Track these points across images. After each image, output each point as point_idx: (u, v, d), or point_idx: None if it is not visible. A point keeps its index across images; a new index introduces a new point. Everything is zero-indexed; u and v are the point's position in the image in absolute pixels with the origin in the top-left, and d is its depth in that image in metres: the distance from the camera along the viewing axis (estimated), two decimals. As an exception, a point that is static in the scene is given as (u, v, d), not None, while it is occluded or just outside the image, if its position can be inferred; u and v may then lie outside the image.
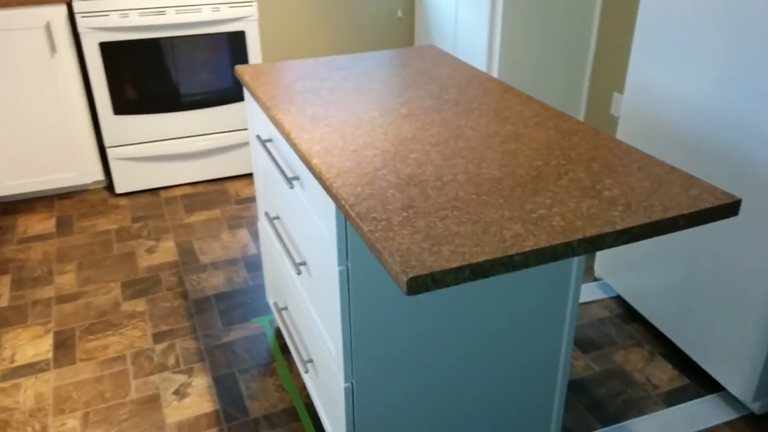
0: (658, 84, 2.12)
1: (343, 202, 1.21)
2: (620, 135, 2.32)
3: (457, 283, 0.99)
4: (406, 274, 0.98)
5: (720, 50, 1.87)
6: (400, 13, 4.17)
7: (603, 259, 2.51)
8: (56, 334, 2.34)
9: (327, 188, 1.28)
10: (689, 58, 1.98)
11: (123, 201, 3.23)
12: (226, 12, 3.07)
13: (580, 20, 3.50)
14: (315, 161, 1.36)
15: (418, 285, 0.98)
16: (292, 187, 1.60)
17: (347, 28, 4.09)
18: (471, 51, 3.60)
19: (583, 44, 3.57)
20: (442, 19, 3.87)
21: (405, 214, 1.15)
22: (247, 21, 3.13)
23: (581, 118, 3.76)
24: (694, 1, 1.93)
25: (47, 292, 2.57)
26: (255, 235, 2.94)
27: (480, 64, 3.52)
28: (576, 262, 1.52)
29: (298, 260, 1.73)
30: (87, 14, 2.88)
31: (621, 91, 3.43)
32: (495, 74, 3.45)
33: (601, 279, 2.56)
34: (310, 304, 1.71)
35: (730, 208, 1.16)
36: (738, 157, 1.86)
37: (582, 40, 3.55)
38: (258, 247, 2.86)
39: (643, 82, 2.17)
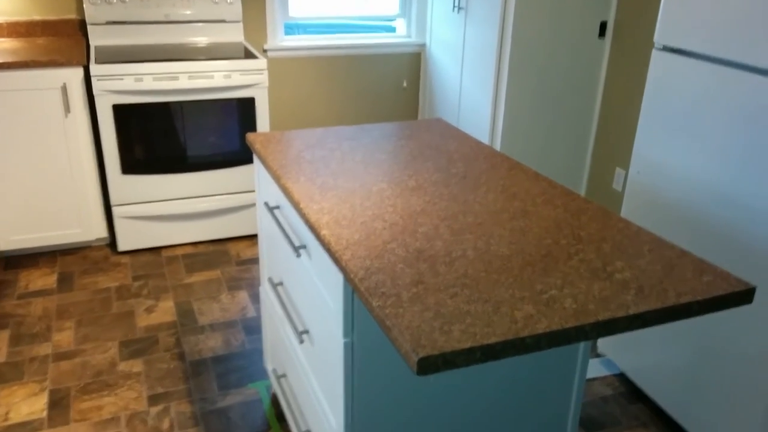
0: (663, 162, 2.14)
1: (352, 275, 1.20)
2: (625, 212, 2.34)
3: (467, 365, 0.98)
4: (416, 353, 0.96)
5: (725, 130, 1.91)
6: (405, 83, 4.26)
7: (606, 334, 2.48)
8: (51, 392, 2.29)
9: (336, 260, 1.28)
10: (695, 137, 2.02)
11: (125, 259, 3.22)
12: (237, 79, 3.14)
13: (583, 94, 3.57)
14: (324, 232, 1.37)
15: (428, 365, 0.96)
16: (298, 255, 1.60)
17: (353, 96, 4.18)
18: (474, 121, 3.67)
19: (586, 118, 3.63)
20: (447, 90, 3.96)
21: (414, 290, 1.15)
22: (258, 88, 3.19)
23: (583, 191, 3.80)
24: (699, 81, 1.98)
25: (45, 348, 2.53)
26: (254, 298, 2.92)
27: (483, 134, 3.57)
28: (583, 342, 1.51)
29: (300, 329, 1.72)
30: (103, 77, 2.94)
31: (623, 165, 3.47)
32: (498, 144, 3.50)
33: (604, 355, 2.53)
34: (311, 373, 1.68)
35: (744, 296, 1.15)
36: (746, 239, 1.87)
37: (585, 114, 3.62)
38: (256, 310, 2.83)
39: (649, 160, 2.20)
